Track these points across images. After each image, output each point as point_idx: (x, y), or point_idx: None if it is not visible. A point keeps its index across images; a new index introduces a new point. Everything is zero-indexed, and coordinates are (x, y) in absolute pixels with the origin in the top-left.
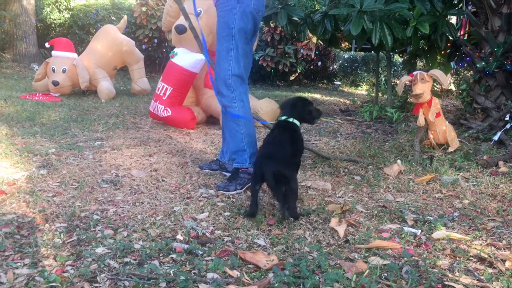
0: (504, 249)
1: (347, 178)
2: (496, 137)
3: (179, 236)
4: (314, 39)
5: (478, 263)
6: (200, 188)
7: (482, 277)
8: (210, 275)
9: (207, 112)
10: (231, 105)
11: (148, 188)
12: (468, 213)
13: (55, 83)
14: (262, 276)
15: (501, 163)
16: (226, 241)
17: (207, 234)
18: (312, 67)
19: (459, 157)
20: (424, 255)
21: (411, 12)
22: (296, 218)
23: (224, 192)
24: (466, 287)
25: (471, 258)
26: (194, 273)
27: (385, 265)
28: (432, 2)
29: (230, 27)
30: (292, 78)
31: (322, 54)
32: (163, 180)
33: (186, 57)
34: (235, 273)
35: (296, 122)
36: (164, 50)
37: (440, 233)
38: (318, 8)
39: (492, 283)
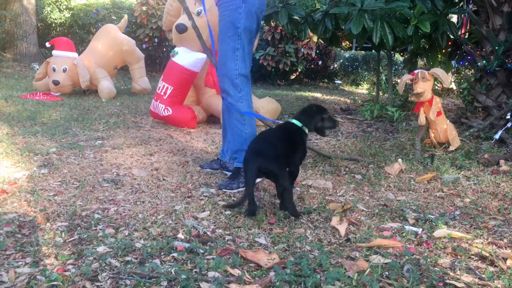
0: (505, 248)
1: (348, 177)
2: (497, 136)
3: (180, 235)
4: (315, 38)
5: (479, 261)
6: (201, 187)
7: (483, 276)
8: (211, 273)
9: (208, 111)
10: (238, 104)
11: (149, 187)
12: (469, 211)
13: (56, 83)
14: (263, 275)
15: (502, 161)
16: (227, 240)
17: (208, 233)
18: (312, 66)
19: (460, 155)
20: (425, 254)
21: (412, 11)
22: (297, 217)
23: (226, 190)
24: (468, 286)
25: (472, 256)
26: (195, 271)
27: (386, 263)
28: (433, 0)
29: (236, 27)
30: (292, 77)
31: (322, 53)
32: (164, 179)
33: (186, 56)
34: (236, 271)
35: (302, 126)
36: (164, 49)
37: (441, 231)
38: (319, 7)
39: (493, 282)
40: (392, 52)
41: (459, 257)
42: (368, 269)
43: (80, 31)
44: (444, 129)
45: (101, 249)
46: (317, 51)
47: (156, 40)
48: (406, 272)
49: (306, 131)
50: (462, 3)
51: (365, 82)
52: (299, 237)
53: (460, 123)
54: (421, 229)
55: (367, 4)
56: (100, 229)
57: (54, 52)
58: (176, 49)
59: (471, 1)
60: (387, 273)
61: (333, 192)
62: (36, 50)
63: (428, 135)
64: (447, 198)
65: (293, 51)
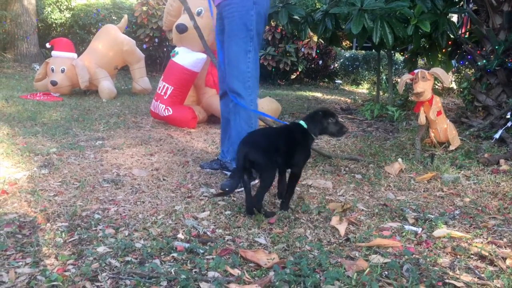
0: (505, 247)
1: (348, 177)
2: (497, 135)
3: (180, 235)
4: (315, 38)
5: (479, 261)
6: (201, 187)
7: (482, 275)
8: (211, 273)
9: (208, 111)
10: (249, 106)
11: (149, 187)
12: (469, 211)
13: (54, 83)
14: (263, 275)
15: (502, 161)
16: (227, 240)
17: (208, 233)
18: (313, 65)
19: (460, 155)
20: (425, 253)
21: (412, 10)
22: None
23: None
24: (467, 285)
25: (472, 256)
26: (195, 271)
27: (385, 263)
28: (433, 0)
29: (248, 29)
30: (293, 77)
31: (323, 52)
32: (164, 179)
33: (187, 56)
34: (236, 271)
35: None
36: (165, 49)
37: (441, 231)
38: (319, 6)
39: (492, 281)
40: (392, 52)
41: (458, 256)
42: (368, 269)
43: (80, 31)
44: (444, 128)
45: (101, 249)
46: (318, 51)
47: (156, 40)
48: (405, 271)
49: (313, 134)
50: (462, 2)
51: (365, 82)
52: (298, 237)
53: (460, 122)
54: (420, 229)
55: (367, 4)
56: (100, 229)
57: (53, 52)
58: (176, 49)
59: (471, 1)
60: (386, 272)
61: (333, 191)
62: (37, 51)
63: (428, 134)
64: (447, 197)
65: (293, 50)
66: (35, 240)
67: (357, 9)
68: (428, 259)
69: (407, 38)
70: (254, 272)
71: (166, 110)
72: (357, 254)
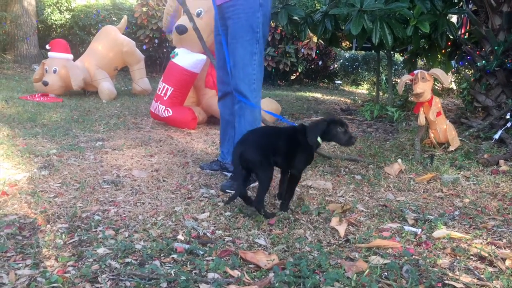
0: (504, 248)
1: (347, 178)
2: (496, 136)
3: (180, 236)
4: (315, 39)
5: (479, 262)
6: (201, 188)
7: (482, 276)
8: (211, 275)
9: (208, 112)
10: (251, 109)
11: (149, 189)
12: (468, 212)
13: (45, 83)
14: (263, 276)
15: (501, 161)
16: (227, 241)
17: (208, 234)
18: (313, 66)
19: (459, 156)
20: (425, 254)
21: (411, 11)
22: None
23: (230, 191)
24: (466, 286)
25: (472, 257)
26: (195, 273)
27: (385, 264)
28: (432, 1)
29: (255, 31)
30: (293, 77)
31: (323, 53)
32: (164, 181)
33: (186, 57)
34: (235, 273)
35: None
36: (164, 50)
37: (441, 232)
38: (319, 7)
39: (492, 282)
40: (392, 52)
41: (458, 257)
42: (367, 270)
43: (80, 32)
44: (444, 129)
45: (101, 250)
46: (317, 52)
47: (156, 41)
48: (405, 272)
49: (319, 140)
50: (461, 3)
51: (365, 82)
52: (298, 238)
53: (459, 123)
54: (420, 230)
55: (367, 4)
56: (100, 231)
57: (49, 53)
58: (176, 50)
59: (470, 1)
60: (386, 273)
61: (333, 192)
62: (37, 52)
63: (427, 135)
64: (447, 198)
65: (293, 51)
66: (35, 242)
67: (356, 10)
68: (427, 260)
69: (407, 38)
70: (254, 273)
71: (166, 111)
72: (356, 255)
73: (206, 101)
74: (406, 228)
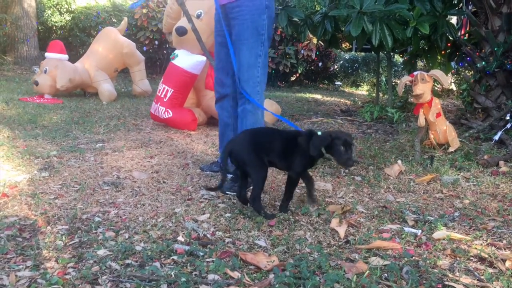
0: (504, 249)
1: (347, 179)
2: (496, 137)
3: (180, 238)
4: (315, 40)
5: (479, 263)
6: (201, 190)
7: (482, 277)
8: (211, 276)
9: (208, 113)
10: (256, 111)
11: (149, 190)
12: (468, 213)
13: (36, 83)
14: (263, 277)
15: (501, 162)
16: (227, 242)
17: (208, 235)
18: (312, 67)
19: (459, 157)
20: (425, 255)
21: (411, 13)
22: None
23: (229, 193)
24: (467, 287)
25: (472, 258)
26: (195, 274)
27: (385, 265)
28: (432, 2)
29: (260, 33)
30: (293, 78)
31: (322, 54)
32: (164, 182)
33: (186, 59)
34: (236, 274)
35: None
36: (165, 51)
37: (441, 233)
38: (318, 9)
39: (492, 283)
40: (391, 54)
41: (458, 258)
42: (367, 271)
43: (80, 34)
44: (444, 130)
45: (101, 252)
46: (317, 53)
47: (156, 42)
48: (405, 274)
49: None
50: (461, 4)
51: (365, 84)
52: (298, 239)
53: (459, 124)
54: (420, 231)
55: (366, 6)
56: (100, 232)
57: (46, 54)
58: (176, 51)
59: (470, 3)
60: (386, 275)
61: (333, 194)
62: (37, 53)
63: (427, 136)
64: (447, 199)
65: (293, 52)
66: (35, 243)
67: (356, 11)
68: (427, 261)
69: (406, 40)
70: (254, 275)
71: (166, 113)
72: (356, 257)
73: (206, 102)
74: (406, 229)
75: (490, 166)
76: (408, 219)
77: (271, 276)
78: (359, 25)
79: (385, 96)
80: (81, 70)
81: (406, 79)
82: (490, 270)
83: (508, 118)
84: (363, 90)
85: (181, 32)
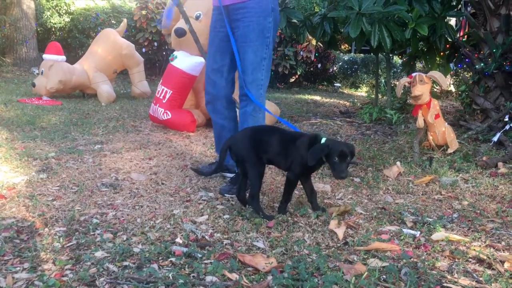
0: (503, 250)
1: (346, 180)
2: (495, 138)
3: (178, 239)
4: (314, 42)
5: (477, 264)
6: (200, 191)
7: (481, 279)
8: (209, 278)
9: (207, 115)
10: (256, 114)
11: (148, 192)
12: (467, 214)
13: (33, 85)
14: (261, 279)
15: (500, 164)
16: (225, 244)
17: (207, 237)
18: (312, 69)
19: (458, 158)
20: (423, 257)
21: (409, 14)
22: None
23: (227, 195)
24: None
25: (470, 259)
26: (193, 276)
27: (384, 267)
28: (430, 4)
29: (265, 36)
30: (292, 80)
31: (322, 56)
32: (162, 183)
33: (185, 60)
34: (234, 276)
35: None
36: (164, 53)
37: (439, 234)
38: (317, 10)
39: (491, 285)
40: (390, 55)
41: (456, 260)
42: (366, 273)
43: (79, 36)
44: (443, 131)
45: (99, 254)
46: (316, 54)
47: (155, 44)
48: (403, 275)
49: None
50: (460, 6)
51: (364, 85)
52: (297, 240)
53: (458, 125)
54: (419, 232)
55: (365, 7)
56: (98, 234)
57: (43, 56)
58: (175, 53)
59: (469, 4)
60: (384, 276)
61: (332, 195)
62: (36, 55)
63: (426, 137)
64: (445, 200)
65: (292, 54)
66: (33, 245)
67: (355, 12)
68: (426, 263)
69: (405, 41)
70: (252, 277)
71: (165, 114)
72: (355, 258)
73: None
74: (405, 230)
75: (489, 168)
76: (407, 220)
77: (269, 277)
78: (358, 26)
79: (384, 97)
80: (80, 71)
81: (404, 80)
82: (489, 271)
83: (506, 119)
84: (362, 92)
85: (180, 33)
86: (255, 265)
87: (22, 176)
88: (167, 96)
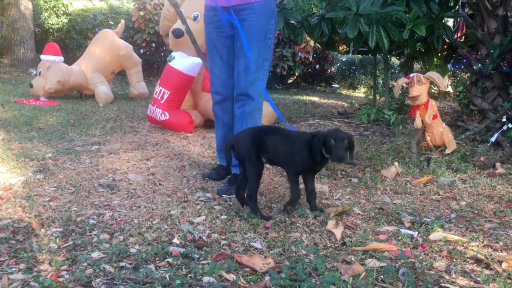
0: (501, 251)
1: (344, 181)
2: (493, 139)
3: (175, 240)
4: (312, 43)
5: (475, 264)
6: (197, 192)
7: (478, 279)
8: (206, 278)
9: (205, 115)
10: (256, 114)
11: (145, 192)
12: (465, 214)
13: (30, 86)
14: (259, 279)
15: (498, 164)
16: (223, 245)
17: (204, 237)
18: (310, 70)
19: (456, 158)
20: (421, 257)
21: (407, 15)
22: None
23: (225, 195)
24: None
25: (468, 259)
26: (190, 277)
27: (381, 267)
28: (428, 4)
29: (268, 37)
30: (290, 81)
31: (320, 57)
32: (160, 184)
33: (183, 61)
34: (231, 276)
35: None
36: (162, 54)
37: (437, 234)
38: (315, 11)
39: (488, 285)
40: (388, 56)
41: (454, 260)
42: (363, 273)
43: (77, 36)
44: (440, 132)
45: (95, 254)
46: (314, 55)
47: (153, 45)
48: (401, 275)
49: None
50: (457, 7)
51: (362, 86)
52: (294, 241)
53: (456, 126)
54: (417, 232)
55: (363, 8)
56: (94, 235)
57: (41, 56)
58: (173, 53)
59: (466, 5)
60: (382, 276)
61: (330, 195)
62: (33, 56)
63: (424, 138)
64: (443, 201)
65: (290, 55)
66: (29, 246)
67: (353, 13)
68: (424, 263)
69: (403, 42)
70: (250, 277)
71: (162, 115)
72: (353, 258)
73: (203, 104)
74: (403, 231)
75: (486, 168)
76: (405, 220)
77: (267, 278)
78: (356, 27)
79: (382, 98)
80: (77, 72)
81: (402, 81)
82: (487, 271)
83: (504, 120)
84: (360, 92)
85: (178, 34)
86: (253, 265)
87: (19, 176)
88: (165, 96)
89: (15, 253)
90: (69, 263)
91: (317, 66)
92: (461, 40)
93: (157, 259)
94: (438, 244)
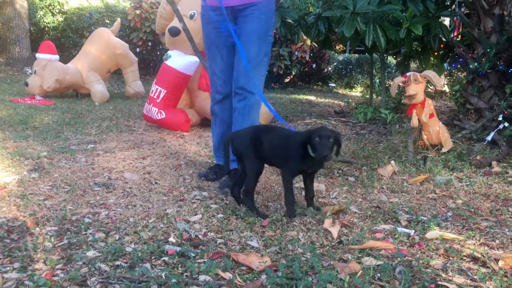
0: (497, 249)
1: (341, 179)
2: (489, 138)
3: (171, 239)
4: (308, 42)
5: (472, 262)
6: (194, 190)
7: (475, 277)
8: (202, 277)
9: (201, 114)
10: (256, 107)
11: (141, 191)
12: (461, 213)
13: (26, 84)
14: (255, 278)
15: (494, 163)
16: (219, 243)
17: (200, 236)
18: (306, 69)
19: (452, 157)
20: (418, 255)
21: (404, 14)
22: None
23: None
24: (460, 287)
25: (465, 257)
26: (186, 275)
27: (378, 265)
28: (424, 3)
29: (268, 34)
30: (287, 80)
31: (316, 56)
32: (156, 183)
33: (179, 60)
34: (227, 275)
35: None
36: (158, 52)
37: (434, 233)
38: (312, 10)
39: (485, 283)
40: (385, 55)
41: (451, 258)
42: (360, 271)
43: (73, 35)
44: (437, 131)
45: (90, 253)
46: (311, 54)
47: (149, 43)
48: (398, 274)
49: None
50: (454, 6)
51: (358, 85)
52: (291, 239)
53: (452, 125)
54: (413, 231)
55: (360, 7)
56: (90, 234)
57: (36, 55)
58: (169, 52)
59: (463, 4)
60: (379, 275)
61: (326, 194)
62: (29, 55)
63: (420, 137)
64: (440, 199)
65: (287, 54)
66: (23, 245)
67: (349, 12)
68: (420, 261)
69: (400, 41)
70: (246, 276)
71: (159, 114)
72: (349, 257)
73: (199, 103)
74: (399, 229)
75: (482, 167)
76: (401, 219)
77: (263, 276)
78: (353, 25)
79: (379, 97)
80: (73, 71)
81: (399, 80)
82: (483, 269)
83: (500, 118)
84: (357, 92)
85: (174, 32)
86: (249, 264)
87: (14, 175)
88: (161, 95)
89: (9, 252)
90: (64, 262)
91: (314, 65)
92: (458, 39)
93: (153, 257)
94: (434, 243)
